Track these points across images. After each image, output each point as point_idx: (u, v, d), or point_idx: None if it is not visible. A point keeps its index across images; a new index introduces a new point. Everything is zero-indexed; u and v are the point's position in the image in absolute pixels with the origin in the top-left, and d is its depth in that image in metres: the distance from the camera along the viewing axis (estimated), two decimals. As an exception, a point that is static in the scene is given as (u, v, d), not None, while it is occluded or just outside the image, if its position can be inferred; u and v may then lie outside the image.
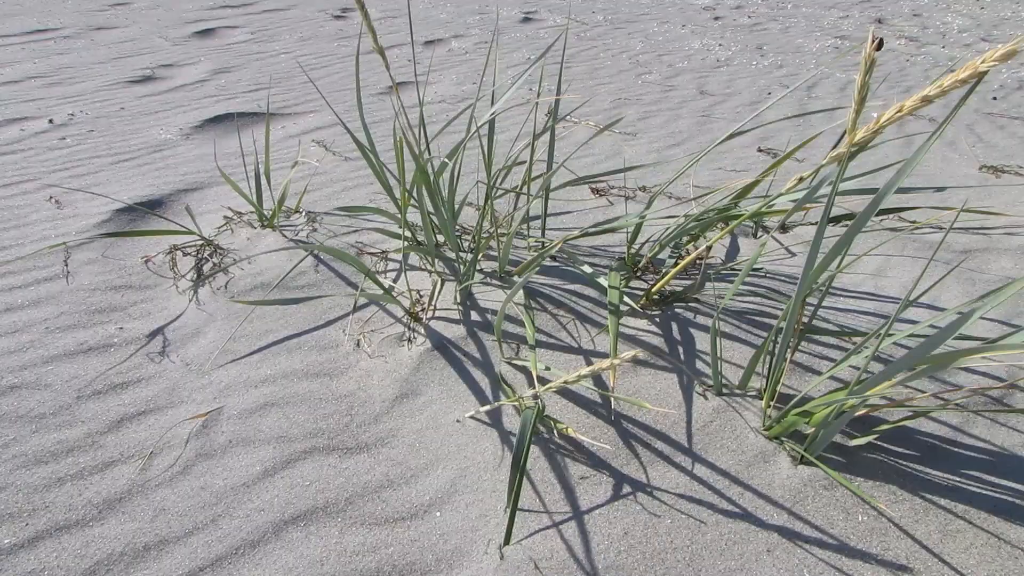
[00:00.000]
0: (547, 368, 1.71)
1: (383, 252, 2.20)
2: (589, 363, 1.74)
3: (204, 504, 1.36)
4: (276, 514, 1.34)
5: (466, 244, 2.24)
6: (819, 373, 1.72)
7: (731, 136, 1.71)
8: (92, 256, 2.16)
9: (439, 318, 1.88)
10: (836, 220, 2.15)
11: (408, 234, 2.02)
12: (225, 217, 2.41)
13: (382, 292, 1.70)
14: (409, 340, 1.81)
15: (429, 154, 1.90)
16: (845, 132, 1.17)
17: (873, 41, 1.11)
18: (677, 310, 1.93)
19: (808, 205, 1.64)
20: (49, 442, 1.48)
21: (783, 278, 2.14)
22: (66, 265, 2.10)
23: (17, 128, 3.24)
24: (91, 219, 2.37)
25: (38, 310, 1.90)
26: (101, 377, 1.68)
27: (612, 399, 1.62)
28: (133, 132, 3.26)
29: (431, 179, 1.82)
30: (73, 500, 1.36)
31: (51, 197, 2.54)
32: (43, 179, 2.70)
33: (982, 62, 0.98)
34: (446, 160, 1.78)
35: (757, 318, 1.93)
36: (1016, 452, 1.51)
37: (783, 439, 1.52)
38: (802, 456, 1.47)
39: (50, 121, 3.34)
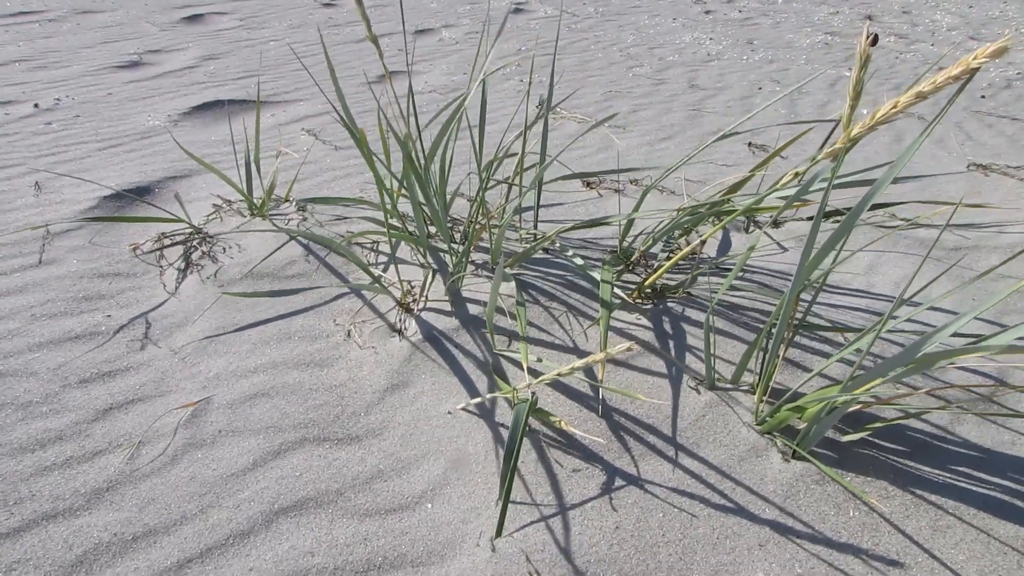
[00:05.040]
0: (539, 360, 1.70)
1: (374, 242, 2.18)
2: (581, 356, 1.73)
3: (193, 494, 1.35)
4: (266, 505, 1.33)
5: (458, 236, 2.23)
6: (812, 369, 1.72)
7: (723, 136, 1.70)
8: (79, 243, 2.13)
9: (430, 309, 1.87)
10: (827, 216, 2.16)
11: (399, 224, 2.00)
12: (214, 205, 2.38)
13: (373, 283, 1.68)
14: (400, 331, 1.80)
15: (421, 143, 1.88)
16: (837, 125, 1.16)
17: (867, 36, 1.10)
18: (669, 304, 1.93)
19: (799, 202, 1.64)
20: (35, 430, 1.46)
21: (775, 273, 2.14)
22: (42, 252, 2.07)
23: (1, 112, 3.19)
24: (78, 205, 2.33)
25: (23, 297, 1.87)
26: (88, 365, 1.66)
27: (603, 391, 1.62)
28: (121, 118, 3.21)
29: (419, 167, 1.80)
30: (60, 489, 1.34)
31: (36, 183, 2.50)
32: (28, 164, 2.65)
33: (974, 59, 0.98)
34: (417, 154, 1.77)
35: (749, 313, 1.93)
36: (1005, 450, 1.53)
37: (775, 434, 1.52)
38: (794, 451, 1.47)
39: (35, 105, 3.29)
